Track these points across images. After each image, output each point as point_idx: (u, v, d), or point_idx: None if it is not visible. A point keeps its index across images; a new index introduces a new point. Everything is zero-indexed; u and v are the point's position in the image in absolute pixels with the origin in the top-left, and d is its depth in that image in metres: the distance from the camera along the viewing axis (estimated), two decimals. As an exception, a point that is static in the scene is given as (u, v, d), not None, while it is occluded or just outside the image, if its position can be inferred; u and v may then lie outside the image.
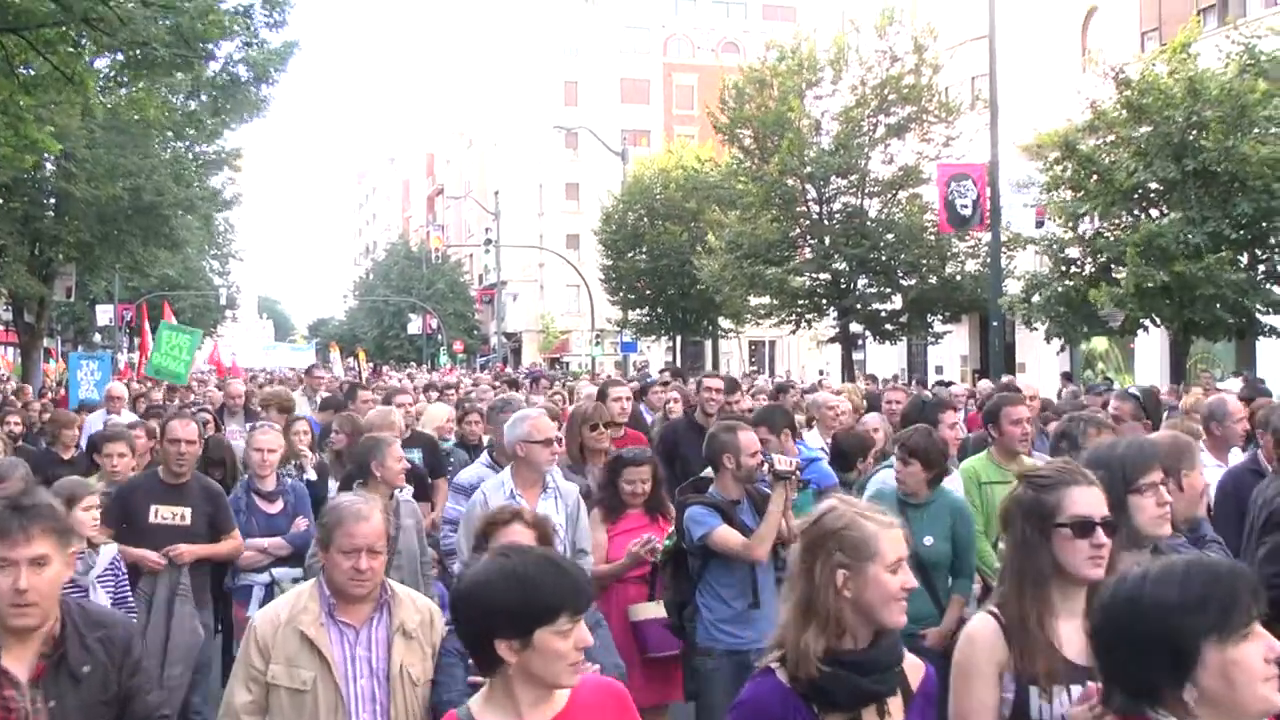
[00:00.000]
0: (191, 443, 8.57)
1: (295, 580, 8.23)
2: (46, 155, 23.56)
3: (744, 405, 12.03)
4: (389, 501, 7.73)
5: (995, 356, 27.90)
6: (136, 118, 21.21)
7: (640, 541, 7.66)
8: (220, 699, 5.01)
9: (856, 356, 42.27)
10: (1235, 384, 22.13)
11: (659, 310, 54.73)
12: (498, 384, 23.76)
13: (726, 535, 7.05)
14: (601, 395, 11.43)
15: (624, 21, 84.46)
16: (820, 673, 3.59)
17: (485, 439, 11.37)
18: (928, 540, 7.56)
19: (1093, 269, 25.01)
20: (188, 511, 8.39)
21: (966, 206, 31.42)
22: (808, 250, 39.62)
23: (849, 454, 9.78)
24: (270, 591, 8.62)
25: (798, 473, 7.17)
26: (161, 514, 8.32)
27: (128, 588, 7.65)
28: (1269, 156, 21.88)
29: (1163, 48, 25.71)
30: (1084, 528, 3.84)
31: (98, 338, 57.38)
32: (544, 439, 7.43)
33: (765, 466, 7.12)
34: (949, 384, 23.29)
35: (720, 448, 7.31)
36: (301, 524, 9.01)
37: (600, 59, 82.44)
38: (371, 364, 67.68)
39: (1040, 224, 29.02)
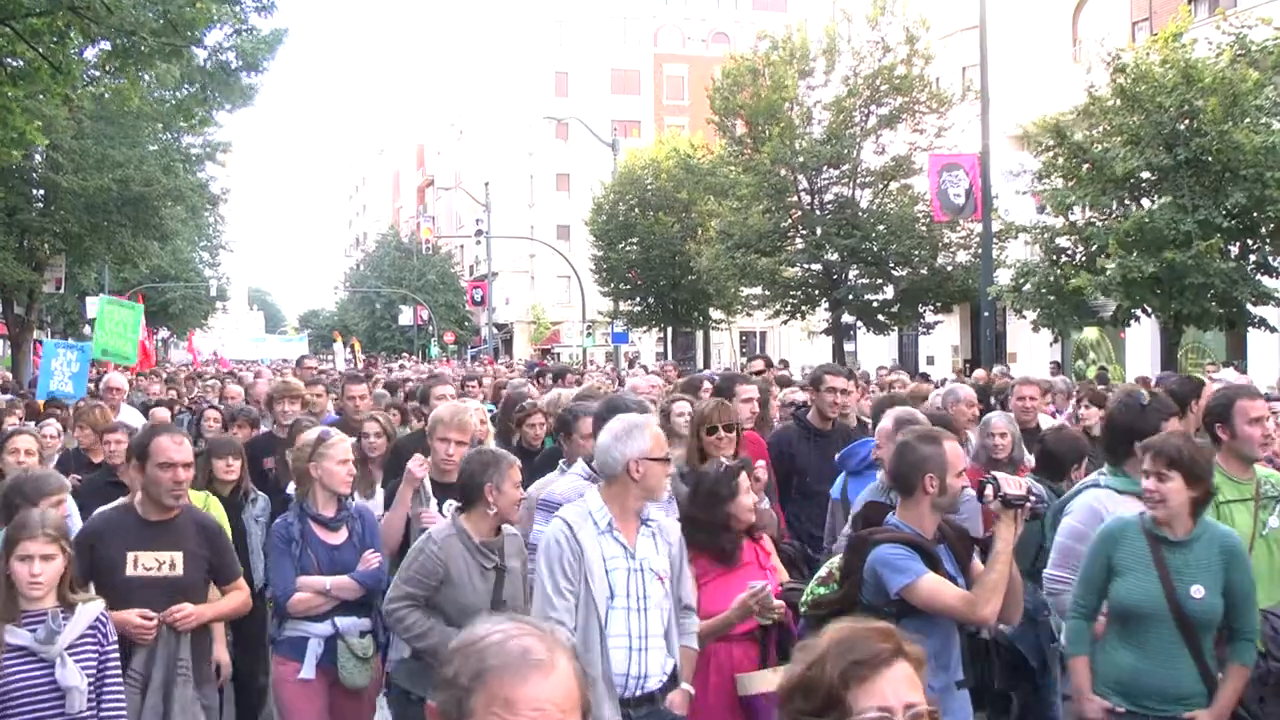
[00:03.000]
0: (189, 466, 6.60)
1: (364, 633, 7.09)
2: (34, 146, 23.42)
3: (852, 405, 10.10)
4: (495, 537, 6.42)
5: (986, 346, 27.93)
6: (128, 107, 21.00)
7: (752, 592, 6.18)
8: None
9: (848, 347, 42.26)
10: (1228, 374, 22.16)
11: (650, 301, 54.66)
12: (528, 376, 22.04)
13: (938, 587, 5.34)
14: (726, 392, 9.33)
15: (614, 12, 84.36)
16: None
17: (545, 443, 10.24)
18: (1196, 591, 5.62)
19: (1082, 258, 24.98)
20: (178, 557, 6.48)
21: (959, 195, 31.44)
22: (799, 241, 39.60)
23: (1061, 458, 7.83)
24: (331, 646, 7.01)
25: (1031, 499, 5.46)
26: (143, 563, 6.39)
27: (116, 663, 5.77)
28: (1261, 145, 21.86)
29: (1154, 37, 25.68)
30: None
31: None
32: (664, 456, 5.83)
33: (988, 491, 5.43)
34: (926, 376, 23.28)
35: (918, 464, 5.55)
36: (373, 560, 7.14)
37: (591, 49, 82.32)
38: (365, 355, 67.65)
39: (1042, 209, 29.01)
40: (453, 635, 5.62)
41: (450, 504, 7.45)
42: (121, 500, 7.14)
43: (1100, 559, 5.87)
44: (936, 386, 17.15)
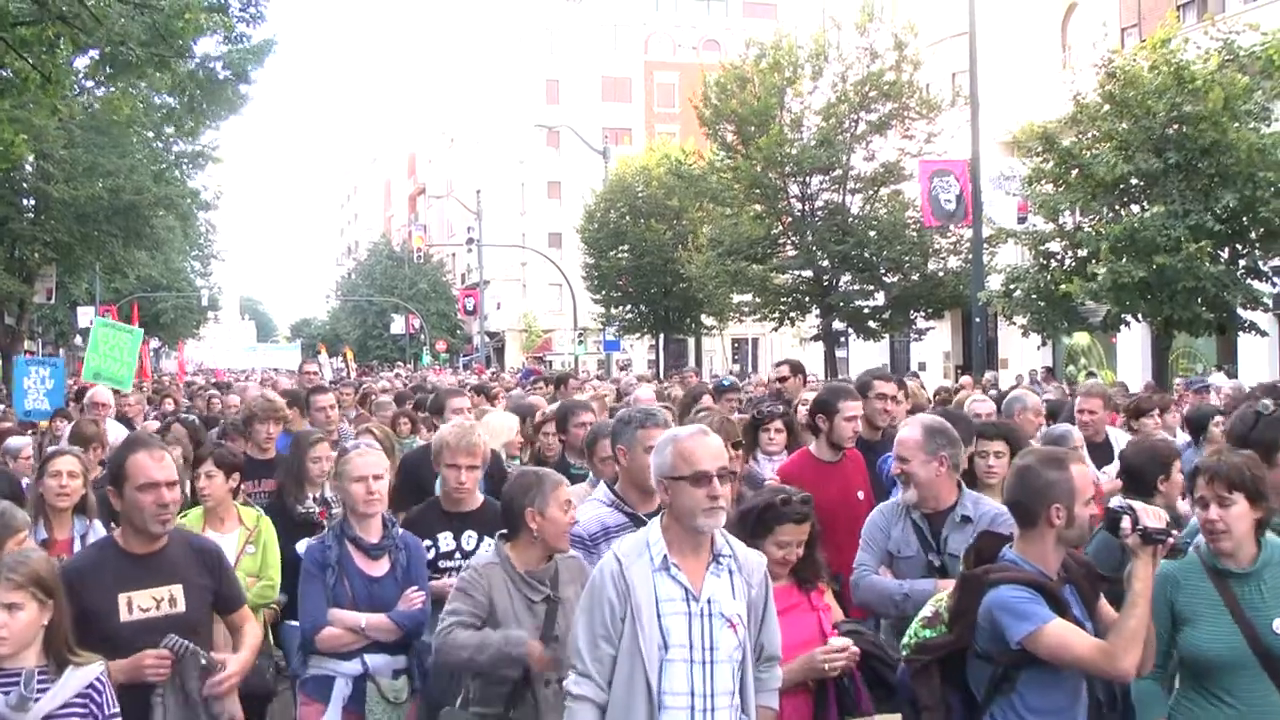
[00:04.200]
0: (174, 484, 5.49)
1: (397, 673, 6.32)
2: (23, 158, 23.41)
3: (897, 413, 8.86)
4: (544, 565, 5.79)
5: (978, 352, 27.95)
6: (117, 118, 20.99)
7: (832, 649, 5.40)
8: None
9: (839, 354, 42.28)
10: (1219, 379, 22.22)
11: (642, 308, 54.65)
12: (528, 384, 21.32)
13: (1068, 636, 4.69)
14: (827, 409, 8.03)
15: (605, 19, 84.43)
16: None
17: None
18: None
19: (1072, 263, 25.03)
20: (178, 591, 5.50)
21: (950, 201, 31.50)
22: (790, 247, 39.63)
23: (1144, 473, 6.94)
24: (360, 687, 6.24)
25: (1173, 533, 4.76)
26: (138, 604, 5.38)
27: None
28: (1255, 144, 21.94)
29: (1143, 43, 25.75)
30: None
31: (79, 340, 57.12)
32: (694, 473, 4.80)
33: (1125, 524, 4.69)
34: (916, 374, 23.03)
35: (1043, 491, 4.83)
36: (416, 599, 6.30)
37: (581, 57, 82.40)
38: (359, 365, 67.59)
39: (1023, 219, 29.05)
40: (519, 638, 5.55)
41: (468, 536, 6.90)
42: (99, 536, 6.52)
43: (1161, 607, 4.98)
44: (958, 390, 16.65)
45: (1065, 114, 25.35)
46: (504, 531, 5.90)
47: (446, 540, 6.94)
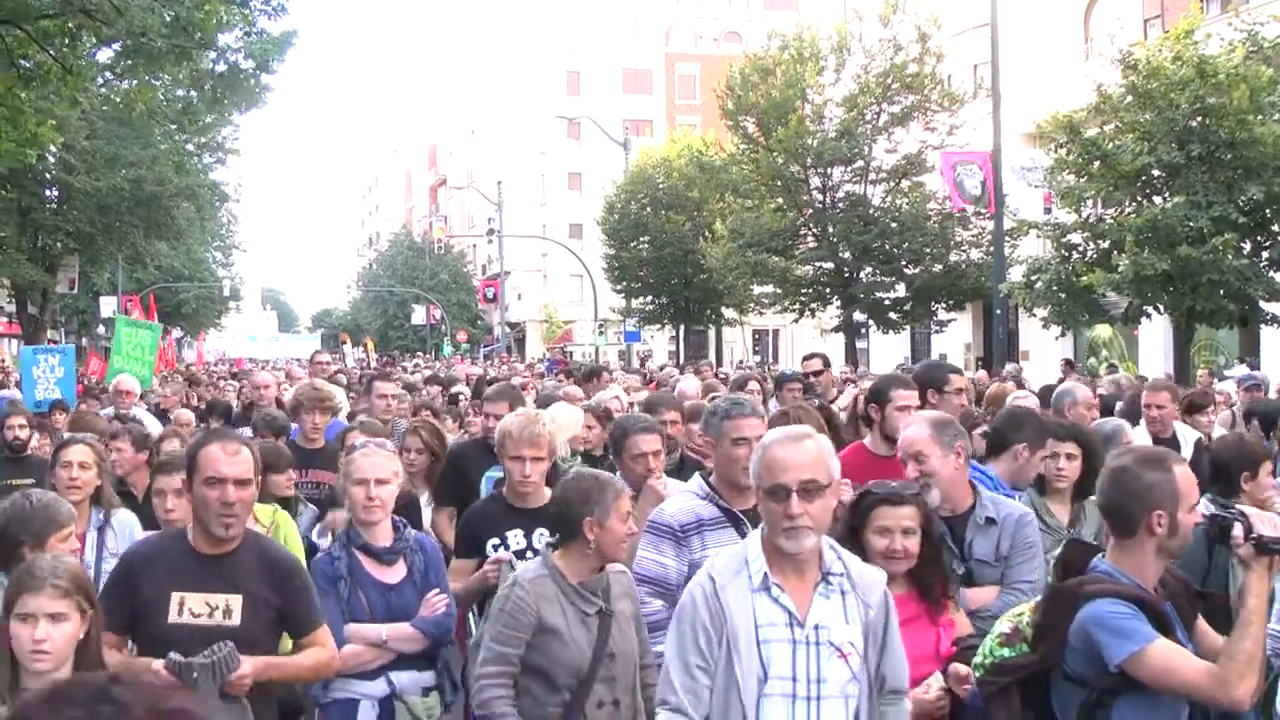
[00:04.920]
0: (245, 483, 4.97)
1: (427, 691, 5.86)
2: (48, 147, 23.54)
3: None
4: (596, 576, 5.29)
5: (998, 344, 27.90)
6: (133, 110, 21.08)
7: (957, 679, 4.90)
8: None
9: (860, 345, 42.24)
10: (1241, 371, 22.13)
11: (662, 299, 54.72)
12: (558, 377, 20.13)
13: (1174, 658, 4.19)
14: (880, 398, 7.44)
15: (626, 11, 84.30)
16: None
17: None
18: None
19: (1094, 254, 24.95)
20: (235, 602, 4.96)
21: (976, 186, 31.39)
22: (811, 239, 39.63)
23: (1230, 469, 6.58)
24: (388, 708, 5.75)
25: None
26: (190, 607, 4.92)
27: None
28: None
29: (1166, 34, 25.64)
30: None
31: (101, 330, 57.43)
32: (775, 485, 4.22)
33: (1237, 531, 4.27)
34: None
35: (1143, 496, 4.33)
36: (438, 603, 5.81)
37: (602, 49, 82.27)
38: (380, 355, 67.73)
39: (1049, 210, 28.95)
40: None
41: (540, 535, 6.27)
42: (173, 526, 6.05)
43: None
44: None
45: (1088, 105, 25.26)
46: (551, 541, 5.47)
47: (517, 538, 6.42)
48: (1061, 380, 15.81)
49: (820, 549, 4.22)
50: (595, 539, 5.17)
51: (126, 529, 6.91)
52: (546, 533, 6.18)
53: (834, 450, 4.33)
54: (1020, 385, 14.88)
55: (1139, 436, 9.17)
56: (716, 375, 21.93)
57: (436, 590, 5.85)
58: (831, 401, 10.40)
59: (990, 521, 5.80)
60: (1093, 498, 6.62)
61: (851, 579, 4.25)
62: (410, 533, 6.02)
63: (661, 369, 29.73)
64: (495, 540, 6.39)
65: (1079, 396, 9.69)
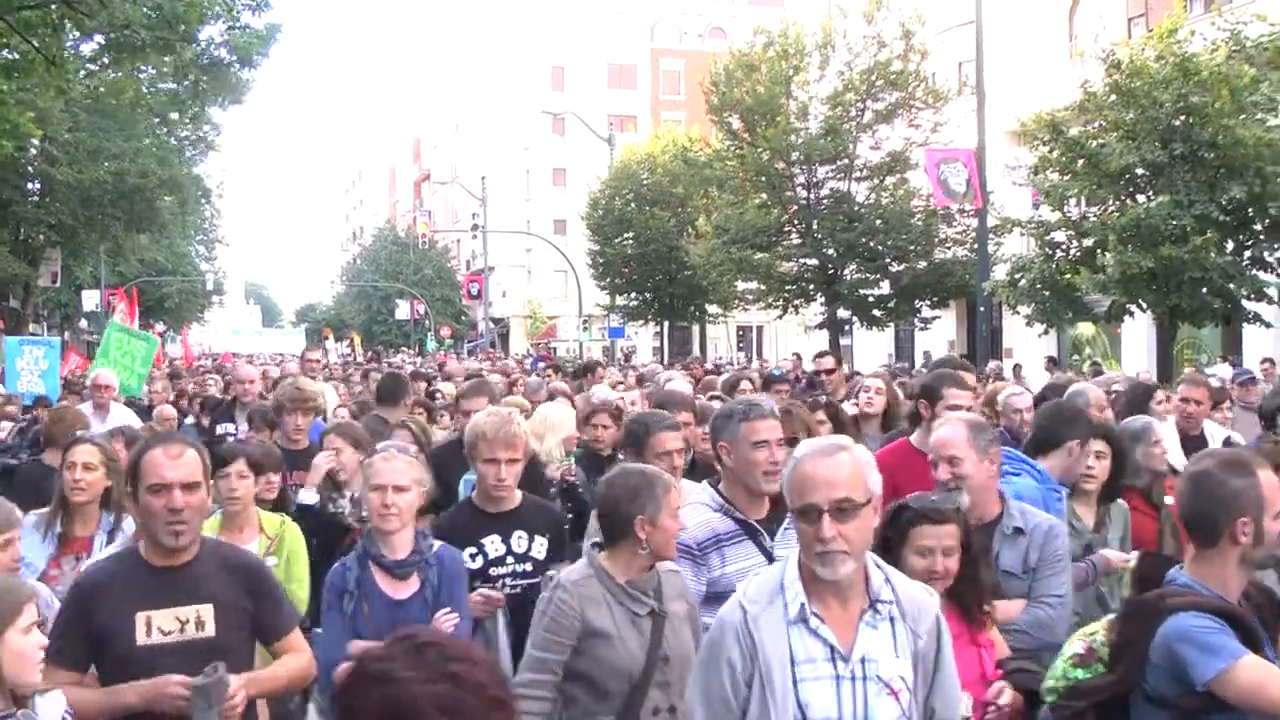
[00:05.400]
0: (193, 487, 4.63)
1: None
2: (29, 139, 23.45)
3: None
4: (646, 575, 4.98)
5: (982, 342, 27.94)
6: (116, 101, 21.03)
7: (994, 696, 4.52)
8: None
9: (844, 342, 42.30)
10: (1224, 369, 22.18)
11: (646, 295, 54.70)
12: (546, 373, 19.58)
13: (1267, 675, 3.89)
14: (931, 395, 7.28)
15: (611, 6, 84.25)
16: None
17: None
18: None
19: (1078, 253, 25.00)
20: (206, 611, 4.64)
21: (960, 184, 31.43)
22: (795, 235, 39.66)
23: None
24: None
25: None
26: (159, 625, 4.57)
27: None
28: (1263, 139, 21.88)
29: (1150, 33, 25.69)
30: None
31: (84, 324, 57.25)
32: (807, 504, 3.80)
33: None
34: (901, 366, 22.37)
35: (1227, 503, 4.08)
36: (446, 623, 5.37)
37: (587, 44, 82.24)
38: (366, 350, 67.61)
39: (1037, 206, 29.01)
40: None
41: (519, 537, 6.12)
42: (121, 543, 5.86)
43: None
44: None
45: (1072, 103, 25.29)
46: (597, 540, 5.11)
47: (494, 545, 6.10)
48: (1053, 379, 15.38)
49: (867, 571, 3.79)
50: (648, 538, 4.86)
51: None
52: (525, 535, 6.12)
53: (871, 462, 3.89)
54: (1018, 380, 14.52)
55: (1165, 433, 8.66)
56: (708, 372, 21.70)
57: (448, 609, 5.44)
58: (841, 401, 10.08)
59: (1018, 532, 5.50)
60: (1120, 501, 6.69)
61: (901, 605, 3.80)
62: (430, 544, 5.63)
63: (645, 366, 29.55)
64: (472, 549, 6.05)
65: (1091, 398, 9.22)
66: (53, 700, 4.17)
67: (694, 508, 5.44)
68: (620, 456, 7.48)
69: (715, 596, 5.03)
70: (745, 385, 10.90)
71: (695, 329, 58.66)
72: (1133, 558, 5.88)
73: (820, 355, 11.89)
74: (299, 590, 6.58)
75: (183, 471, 4.58)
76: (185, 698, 4.36)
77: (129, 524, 6.47)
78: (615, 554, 4.95)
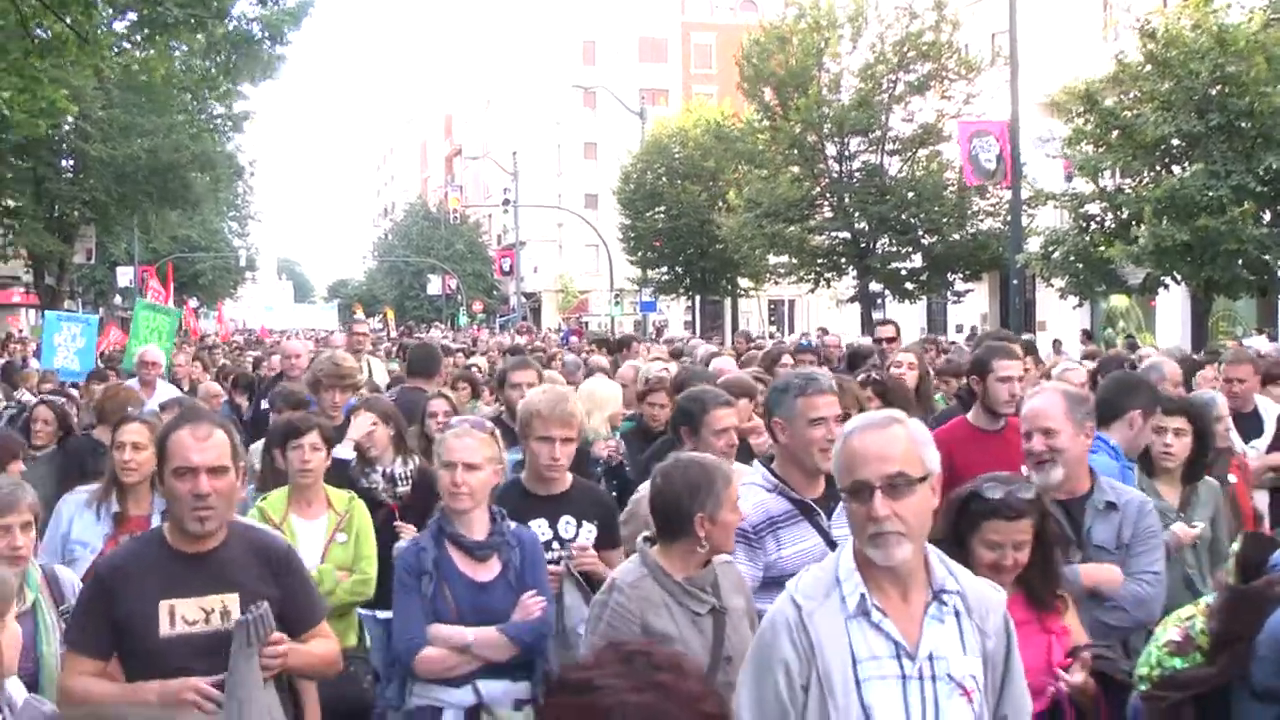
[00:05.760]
0: (222, 471, 4.36)
1: (520, 704, 5.17)
2: (63, 116, 23.57)
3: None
4: (702, 570, 4.68)
5: (1015, 315, 27.83)
6: (152, 79, 21.09)
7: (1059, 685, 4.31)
8: None
9: (876, 315, 42.23)
10: (1260, 341, 22.04)
11: (678, 270, 54.72)
12: (589, 348, 19.15)
13: None
14: (982, 369, 7.07)
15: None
16: None
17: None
18: None
19: (1113, 225, 24.87)
20: (233, 601, 4.38)
21: (990, 161, 31.27)
22: (828, 209, 39.59)
23: None
24: (473, 719, 5.12)
25: None
26: (183, 614, 4.33)
27: None
28: (1300, 109, 21.74)
29: (1185, 2, 25.48)
30: None
31: (118, 300, 57.59)
32: (858, 480, 3.52)
33: None
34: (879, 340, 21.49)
35: None
36: (534, 607, 5.13)
37: (618, 17, 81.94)
38: (399, 325, 67.84)
39: (1069, 178, 28.83)
40: None
41: (567, 522, 5.85)
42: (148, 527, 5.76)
43: None
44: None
45: (1106, 74, 25.11)
46: (648, 535, 4.76)
47: (541, 528, 5.77)
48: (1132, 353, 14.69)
49: (928, 561, 3.48)
50: (707, 535, 4.55)
51: None
52: (573, 520, 5.85)
53: (927, 436, 3.59)
54: (1057, 355, 14.00)
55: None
56: (750, 346, 21.13)
57: (533, 592, 5.15)
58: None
59: (1110, 506, 5.26)
60: (1208, 479, 6.38)
61: (966, 600, 3.48)
62: (509, 525, 5.32)
63: (686, 340, 29.09)
64: None
65: (1165, 372, 8.60)
66: (16, 684, 4.02)
67: (746, 488, 5.10)
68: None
69: (772, 582, 4.84)
70: (786, 360, 10.62)
71: (727, 303, 58.62)
72: (1199, 528, 5.80)
73: (882, 324, 11.60)
74: (368, 568, 6.45)
75: (211, 454, 4.31)
76: (207, 706, 4.22)
77: None
78: (670, 550, 4.63)
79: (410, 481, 7.29)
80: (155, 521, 6.11)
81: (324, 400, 8.84)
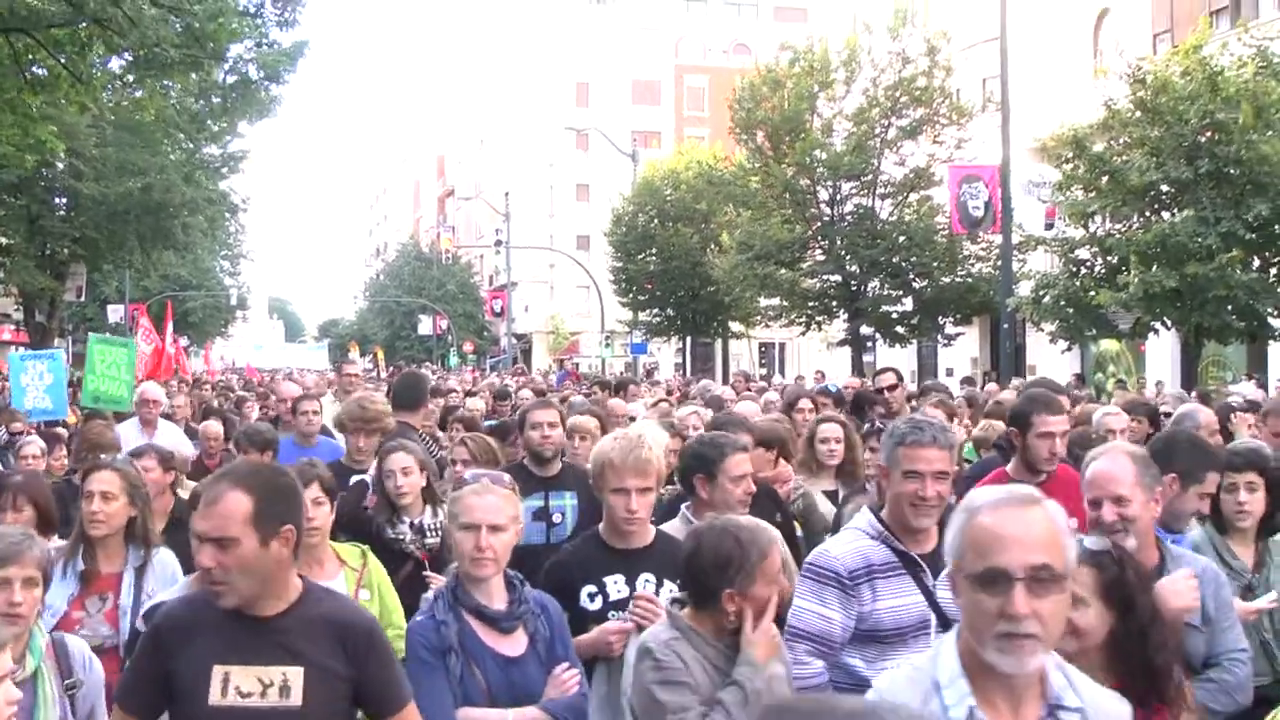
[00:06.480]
0: (229, 544, 3.80)
1: None
2: (57, 153, 23.61)
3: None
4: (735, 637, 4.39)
5: (1006, 358, 27.89)
6: (145, 117, 21.17)
7: None
8: None
9: (866, 359, 42.29)
10: (1246, 387, 22.08)
11: (669, 312, 54.74)
12: (590, 389, 18.78)
13: None
14: (1021, 422, 6.64)
15: (635, 22, 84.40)
16: None
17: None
18: None
19: (1102, 270, 24.95)
20: (295, 675, 3.84)
21: (978, 208, 31.47)
22: (819, 252, 39.70)
23: None
24: None
25: None
26: (236, 684, 3.84)
27: None
28: (1288, 155, 21.84)
29: (1175, 49, 25.66)
30: None
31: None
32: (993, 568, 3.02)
33: None
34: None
35: None
36: (569, 680, 4.65)
37: (611, 60, 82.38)
38: (389, 365, 67.76)
39: (1050, 225, 28.96)
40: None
41: (646, 581, 5.32)
42: (152, 583, 5.55)
43: None
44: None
45: (1096, 120, 25.26)
46: (678, 597, 4.53)
47: (617, 586, 5.31)
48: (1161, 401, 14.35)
49: (1045, 669, 2.93)
50: (737, 610, 4.26)
51: (168, 571, 5.94)
52: (652, 578, 5.31)
53: (1068, 524, 3.04)
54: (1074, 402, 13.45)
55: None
56: (748, 386, 20.84)
57: (566, 665, 4.68)
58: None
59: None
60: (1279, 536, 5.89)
61: (1086, 714, 2.94)
62: (529, 592, 4.80)
63: (698, 380, 28.62)
64: (592, 588, 5.29)
65: (1200, 420, 8.20)
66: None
67: (849, 532, 4.91)
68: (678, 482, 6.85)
69: (866, 635, 4.66)
70: (805, 404, 10.37)
71: (718, 345, 58.66)
72: (1274, 597, 5.38)
73: (881, 372, 11.17)
74: (399, 621, 5.72)
75: (212, 522, 3.81)
76: None
77: (160, 560, 5.97)
78: (700, 616, 4.37)
79: (439, 534, 6.73)
80: (128, 579, 5.84)
81: (350, 444, 8.47)
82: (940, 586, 4.65)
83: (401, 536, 6.75)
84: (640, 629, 4.93)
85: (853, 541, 4.79)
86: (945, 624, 4.52)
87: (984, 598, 2.81)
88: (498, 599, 4.65)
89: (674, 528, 5.73)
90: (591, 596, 5.26)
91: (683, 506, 6.03)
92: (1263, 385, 24.29)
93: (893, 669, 3.08)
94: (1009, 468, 6.69)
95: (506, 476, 5.04)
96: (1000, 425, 9.70)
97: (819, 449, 7.75)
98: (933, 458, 4.77)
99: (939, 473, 4.76)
